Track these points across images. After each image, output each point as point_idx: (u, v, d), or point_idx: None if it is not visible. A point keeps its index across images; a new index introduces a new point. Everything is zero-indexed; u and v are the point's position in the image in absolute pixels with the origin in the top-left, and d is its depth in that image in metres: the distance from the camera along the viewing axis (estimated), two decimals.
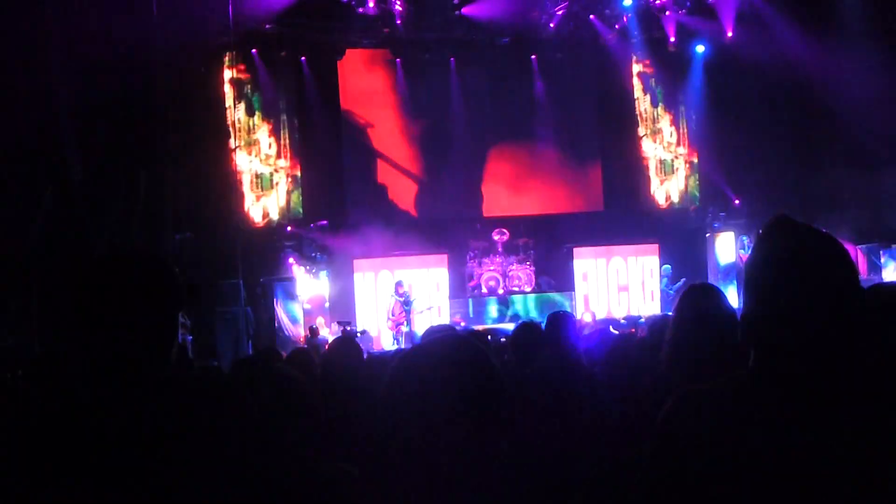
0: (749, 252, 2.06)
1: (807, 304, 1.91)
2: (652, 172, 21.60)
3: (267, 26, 18.63)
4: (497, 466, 1.82)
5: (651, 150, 21.63)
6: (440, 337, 1.91)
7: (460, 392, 1.77)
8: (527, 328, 5.62)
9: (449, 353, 1.84)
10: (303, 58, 19.41)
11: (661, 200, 21.56)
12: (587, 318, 16.45)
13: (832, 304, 1.92)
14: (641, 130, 21.67)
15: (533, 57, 20.80)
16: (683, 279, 17.13)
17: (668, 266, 18.64)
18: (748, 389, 1.94)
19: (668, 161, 21.55)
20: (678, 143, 21.56)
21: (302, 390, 3.34)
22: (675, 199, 21.49)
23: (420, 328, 16.23)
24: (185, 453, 2.11)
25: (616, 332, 8.60)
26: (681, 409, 1.98)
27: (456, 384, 1.77)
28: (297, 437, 3.08)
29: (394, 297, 17.30)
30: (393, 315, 17.24)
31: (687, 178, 21.51)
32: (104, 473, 2.05)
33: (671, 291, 17.61)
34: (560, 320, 5.22)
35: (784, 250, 1.97)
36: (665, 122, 21.61)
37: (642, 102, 21.66)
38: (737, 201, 19.87)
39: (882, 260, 17.56)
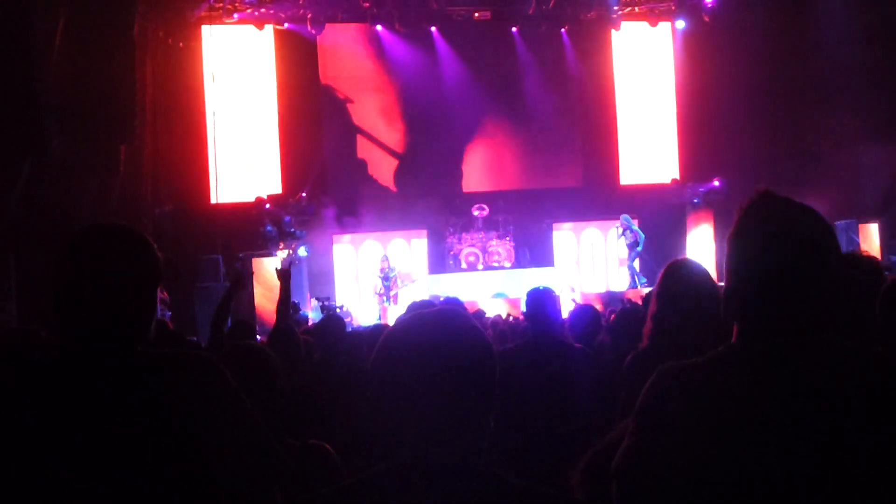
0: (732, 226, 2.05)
1: (789, 279, 1.91)
2: (631, 148, 21.55)
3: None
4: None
5: (630, 127, 21.57)
6: (431, 311, 1.86)
7: (452, 368, 1.74)
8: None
9: (440, 327, 1.80)
10: (287, 24, 19.30)
11: (640, 177, 21.51)
12: (567, 294, 16.49)
13: (815, 278, 1.92)
14: (621, 106, 21.60)
15: (514, 30, 20.71)
16: None
17: None
18: (731, 364, 1.94)
19: (647, 138, 21.50)
20: (658, 120, 21.52)
21: (272, 365, 3.36)
22: (655, 175, 21.44)
23: (401, 303, 16.26)
24: (162, 429, 2.10)
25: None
26: (664, 384, 1.98)
27: (447, 360, 1.74)
28: (270, 412, 3.09)
29: (377, 275, 17.46)
30: (378, 292, 17.43)
31: (667, 155, 21.48)
32: (81, 450, 2.04)
33: None
34: (541, 297, 5.16)
35: (767, 225, 1.97)
36: (645, 99, 21.56)
37: (623, 78, 21.59)
38: (716, 182, 19.78)
39: (858, 236, 17.62)
